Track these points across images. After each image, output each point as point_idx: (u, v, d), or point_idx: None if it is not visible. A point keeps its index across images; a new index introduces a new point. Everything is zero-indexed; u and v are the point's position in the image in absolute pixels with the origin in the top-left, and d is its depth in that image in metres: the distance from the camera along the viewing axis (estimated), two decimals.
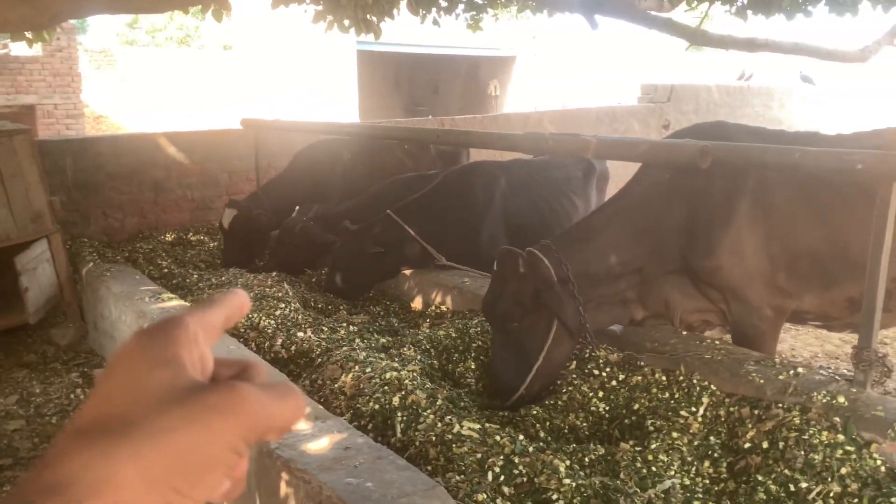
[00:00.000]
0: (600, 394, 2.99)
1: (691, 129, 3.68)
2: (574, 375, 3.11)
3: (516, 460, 2.38)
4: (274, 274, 4.73)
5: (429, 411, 2.72)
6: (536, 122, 9.16)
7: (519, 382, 3.01)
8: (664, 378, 2.96)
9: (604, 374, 3.07)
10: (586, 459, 2.54)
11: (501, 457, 2.39)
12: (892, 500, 2.16)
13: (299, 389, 2.67)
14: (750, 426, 2.61)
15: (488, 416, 2.92)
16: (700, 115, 10.56)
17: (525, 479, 2.32)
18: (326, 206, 5.60)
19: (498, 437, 2.52)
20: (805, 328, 5.24)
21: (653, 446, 2.58)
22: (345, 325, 3.94)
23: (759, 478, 2.38)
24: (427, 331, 3.76)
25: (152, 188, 6.70)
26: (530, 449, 2.48)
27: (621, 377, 3.04)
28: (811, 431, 2.45)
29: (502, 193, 4.80)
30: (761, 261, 3.19)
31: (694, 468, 2.53)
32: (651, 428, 2.72)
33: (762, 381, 2.74)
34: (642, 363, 3.07)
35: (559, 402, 2.99)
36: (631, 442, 2.69)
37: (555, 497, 2.22)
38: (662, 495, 2.35)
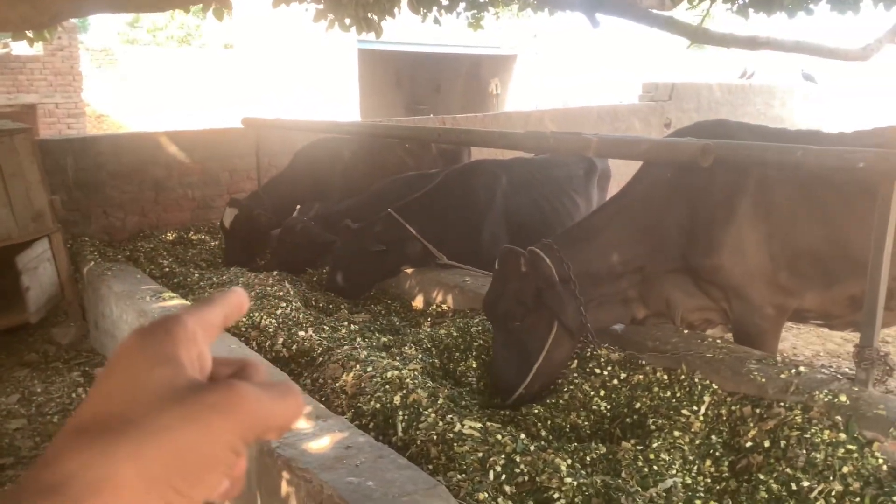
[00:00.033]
0: (602, 392, 2.99)
1: (693, 127, 3.68)
2: (575, 374, 3.10)
3: (518, 459, 2.38)
4: (275, 273, 4.73)
5: (430, 410, 2.72)
6: (537, 120, 9.16)
7: (520, 381, 3.01)
8: (666, 377, 2.96)
9: (605, 372, 3.07)
10: (588, 458, 2.54)
11: (503, 456, 2.39)
12: (895, 498, 2.16)
13: (299, 388, 2.67)
14: (752, 425, 2.61)
15: (490, 414, 2.92)
16: (701, 114, 10.55)
17: (526, 478, 2.32)
18: (327, 205, 5.60)
19: (499, 436, 2.51)
20: (807, 327, 5.23)
21: (654, 445, 2.57)
22: (346, 323, 3.94)
23: (761, 477, 2.38)
24: (428, 330, 3.76)
25: (153, 187, 6.71)
26: (532, 448, 2.47)
27: (623, 376, 3.04)
28: (813, 430, 2.44)
29: (503, 192, 4.80)
30: (763, 259, 3.19)
31: (695, 467, 2.52)
32: (652, 427, 2.72)
33: (764, 380, 2.74)
34: (644, 362, 3.06)
35: (560, 401, 2.99)
36: (632, 441, 2.69)
37: (556, 496, 2.22)
38: (664, 494, 2.35)
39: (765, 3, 5.90)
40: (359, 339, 3.62)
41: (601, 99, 14.54)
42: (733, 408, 2.73)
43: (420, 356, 3.33)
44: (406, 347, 3.45)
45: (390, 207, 4.58)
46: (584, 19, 5.92)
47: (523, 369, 3.02)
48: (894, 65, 13.68)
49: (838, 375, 2.81)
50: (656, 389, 2.92)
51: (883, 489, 2.21)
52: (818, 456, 2.35)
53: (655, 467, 2.47)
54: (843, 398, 2.54)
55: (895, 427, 2.37)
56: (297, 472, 2.20)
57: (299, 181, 5.94)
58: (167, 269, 5.27)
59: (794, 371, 2.75)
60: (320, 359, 3.39)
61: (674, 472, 2.47)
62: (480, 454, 2.41)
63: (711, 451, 2.59)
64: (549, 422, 2.89)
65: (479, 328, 3.56)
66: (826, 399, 2.55)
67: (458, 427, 2.56)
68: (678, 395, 2.86)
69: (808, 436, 2.43)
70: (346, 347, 3.39)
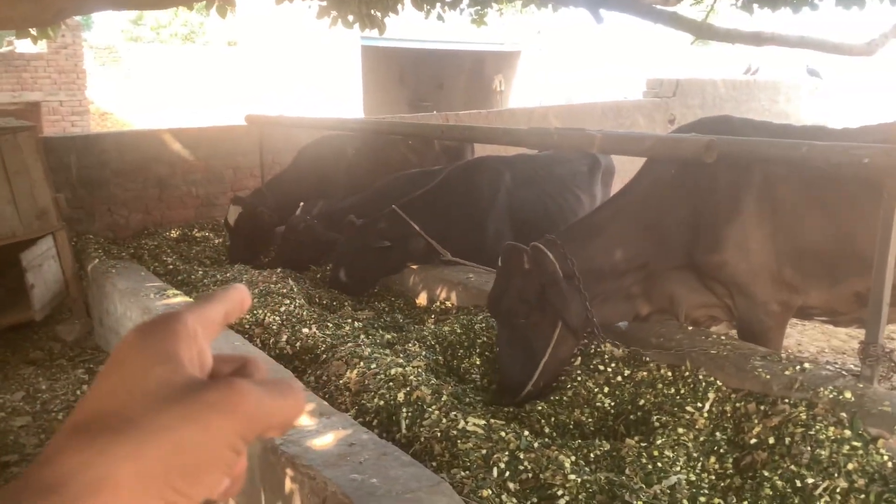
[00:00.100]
0: (605, 389, 2.99)
1: (697, 123, 3.67)
2: (579, 371, 3.10)
3: (521, 456, 2.38)
4: (279, 270, 4.73)
5: (434, 407, 2.72)
6: (541, 116, 9.15)
7: (526, 378, 3.01)
8: (670, 373, 2.95)
9: (609, 369, 3.06)
10: (591, 455, 2.54)
11: (506, 452, 2.39)
12: None
13: (300, 385, 2.66)
14: (756, 422, 2.60)
15: (493, 411, 2.91)
16: (706, 110, 10.53)
17: (530, 475, 2.31)
18: (331, 202, 5.60)
19: (503, 433, 2.51)
20: (811, 323, 5.22)
21: (658, 442, 2.57)
22: (350, 321, 3.94)
23: (766, 473, 2.37)
24: (432, 326, 3.76)
25: (157, 185, 6.72)
26: (535, 445, 2.47)
27: (627, 373, 3.03)
28: (818, 427, 2.44)
29: (507, 189, 4.79)
30: (767, 256, 3.18)
31: (700, 464, 2.52)
32: (656, 423, 2.71)
33: (768, 377, 2.73)
34: (648, 359, 3.06)
35: (564, 398, 2.98)
36: (636, 438, 2.68)
37: (560, 493, 2.22)
38: (668, 491, 2.34)
39: None
40: (362, 336, 3.62)
41: (605, 95, 14.49)
42: (738, 404, 2.72)
43: (424, 353, 3.33)
44: (410, 344, 3.45)
45: (394, 204, 4.58)
46: (588, 15, 5.90)
47: (529, 366, 3.02)
48: None
49: (843, 372, 2.80)
50: (660, 386, 2.91)
51: (888, 486, 2.20)
52: (823, 453, 2.35)
53: (659, 464, 2.47)
54: (847, 395, 2.53)
55: None
56: (301, 469, 2.20)
57: (303, 178, 5.94)
58: (171, 267, 5.28)
59: (798, 368, 2.74)
60: (324, 356, 3.39)
61: (678, 468, 2.46)
62: (484, 451, 2.41)
63: (715, 448, 2.58)
64: (552, 419, 2.89)
65: (483, 325, 3.56)
66: (831, 396, 2.55)
67: (461, 424, 2.56)
68: (682, 391, 2.85)
69: (812, 432, 2.42)
70: (349, 344, 3.39)
